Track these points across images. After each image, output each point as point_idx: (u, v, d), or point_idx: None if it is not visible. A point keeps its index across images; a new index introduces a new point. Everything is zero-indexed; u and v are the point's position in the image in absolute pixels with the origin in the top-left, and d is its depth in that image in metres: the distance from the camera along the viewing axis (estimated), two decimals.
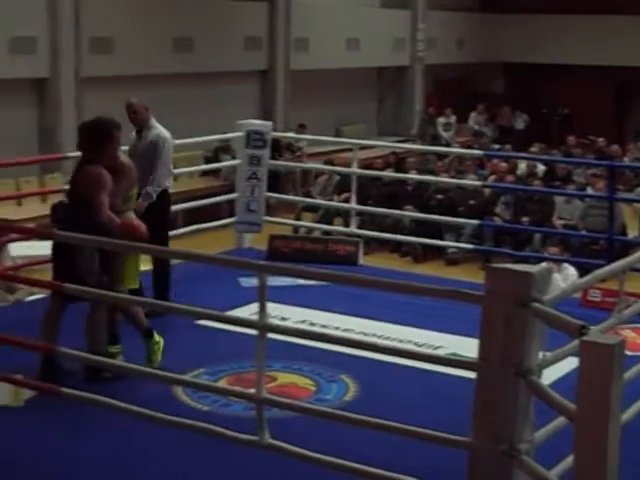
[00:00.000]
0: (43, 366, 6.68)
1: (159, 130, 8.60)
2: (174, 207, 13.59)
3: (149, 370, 6.00)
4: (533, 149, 18.30)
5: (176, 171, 14.55)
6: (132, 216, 7.11)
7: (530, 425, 4.36)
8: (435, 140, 22.37)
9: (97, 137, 6.86)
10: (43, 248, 9.30)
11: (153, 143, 8.52)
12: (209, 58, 18.51)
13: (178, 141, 11.32)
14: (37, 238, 8.83)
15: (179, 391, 6.68)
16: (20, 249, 10.29)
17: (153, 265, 8.55)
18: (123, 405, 5.61)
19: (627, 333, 7.90)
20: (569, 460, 4.18)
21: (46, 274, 10.13)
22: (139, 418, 5.68)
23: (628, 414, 5.12)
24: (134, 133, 8.65)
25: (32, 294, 9.29)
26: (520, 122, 25.03)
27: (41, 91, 15.98)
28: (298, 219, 14.71)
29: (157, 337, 7.08)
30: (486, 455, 4.36)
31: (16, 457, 5.64)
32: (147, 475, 5.57)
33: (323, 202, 13.92)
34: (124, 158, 7.18)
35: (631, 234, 13.42)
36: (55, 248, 6.87)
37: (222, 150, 16.87)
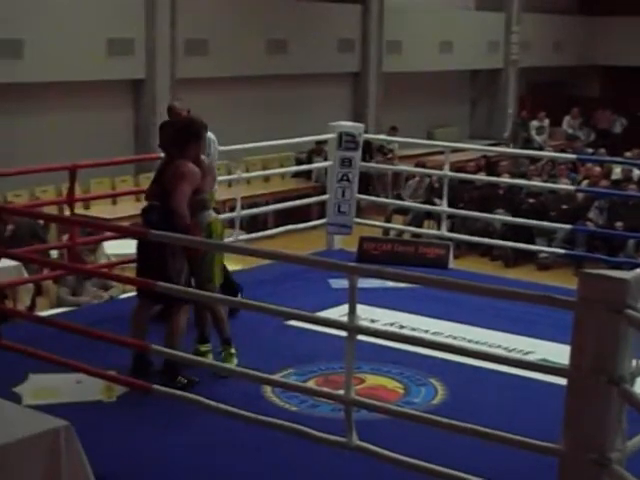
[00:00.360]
0: (135, 363, 6.78)
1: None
2: (265, 208, 13.77)
3: (239, 369, 6.05)
4: (628, 154, 18.02)
5: (268, 172, 14.76)
6: (213, 215, 7.15)
7: (622, 434, 4.30)
8: (528, 143, 22.17)
9: (186, 136, 6.87)
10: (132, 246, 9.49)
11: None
12: (302, 60, 18.62)
13: (270, 143, 11.43)
14: (131, 237, 8.96)
15: (268, 391, 6.72)
16: (114, 247, 10.51)
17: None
18: (213, 404, 5.67)
19: None
20: None
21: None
22: (228, 417, 5.74)
23: None
24: None
25: (125, 291, 9.45)
26: (618, 126, 24.66)
27: (137, 92, 16.26)
28: (389, 221, 14.72)
29: (234, 349, 7.15)
30: (576, 463, 4.31)
31: (106, 452, 5.73)
32: (234, 474, 5.61)
33: (413, 204, 13.89)
34: (204, 157, 7.19)
35: None
36: (144, 248, 6.78)
37: (316, 152, 16.94)
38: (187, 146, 6.80)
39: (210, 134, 7.86)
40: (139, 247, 6.88)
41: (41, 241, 10.88)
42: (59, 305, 9.64)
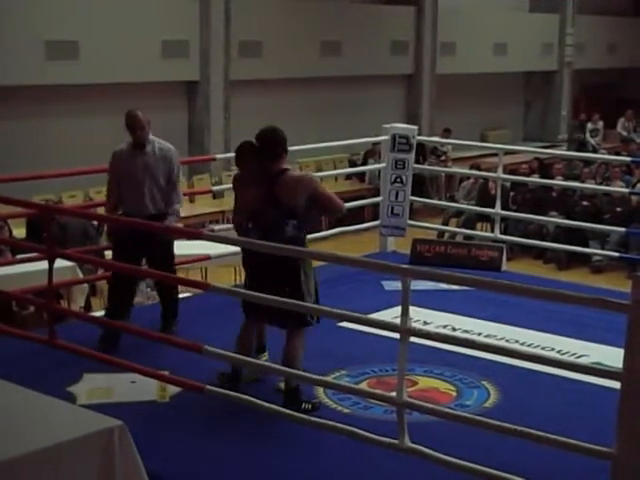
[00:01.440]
0: (231, 374, 6.70)
1: (166, 143, 7.82)
2: None
3: (293, 371, 6.09)
4: None
5: (321, 174, 14.79)
6: None
7: None
8: (582, 146, 22.01)
9: (283, 146, 6.75)
10: (190, 247, 9.56)
11: (167, 157, 7.71)
12: (356, 62, 18.65)
13: (325, 144, 11.47)
14: (185, 238, 9.04)
15: (321, 392, 6.75)
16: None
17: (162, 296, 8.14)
18: (266, 405, 5.72)
19: None
20: None
21: (194, 274, 10.41)
22: (280, 418, 5.78)
23: None
24: (125, 148, 7.72)
25: (179, 293, 9.52)
26: None
27: (191, 94, 16.38)
28: (446, 224, 14.67)
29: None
30: (629, 467, 4.30)
31: (160, 451, 5.79)
32: (287, 475, 5.64)
33: (467, 206, 13.86)
34: None
35: None
36: (267, 263, 6.36)
37: (370, 154, 16.96)
38: (280, 158, 6.68)
39: (168, 144, 7.83)
40: (257, 261, 6.46)
41: (93, 241, 11.00)
42: None
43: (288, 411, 5.70)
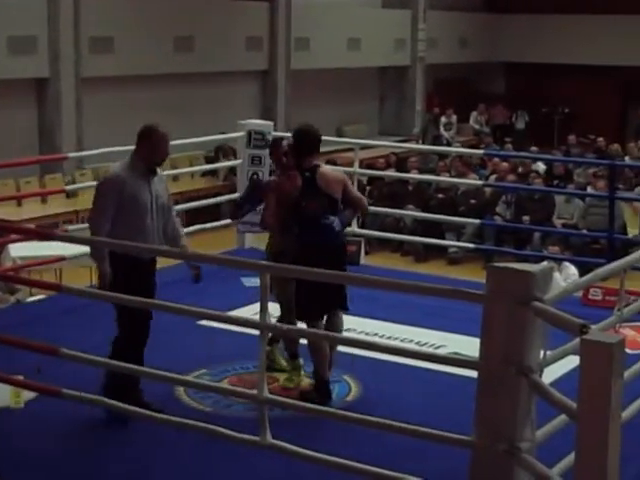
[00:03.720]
0: (320, 388, 6.62)
1: None
2: (177, 207, 13.64)
3: (150, 371, 5.99)
4: (534, 148, 18.30)
5: (176, 171, 14.65)
6: None
7: (531, 424, 4.36)
8: (437, 140, 22.38)
9: (312, 143, 6.93)
10: (43, 249, 9.34)
11: (165, 182, 6.71)
12: (210, 58, 18.53)
13: (179, 141, 11.33)
14: (37, 239, 8.82)
15: (181, 392, 6.68)
16: (20, 250, 10.31)
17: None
18: (125, 406, 5.61)
19: (628, 331, 7.89)
20: (570, 458, 4.18)
21: (46, 275, 10.17)
22: (140, 419, 5.68)
23: (629, 412, 5.13)
24: (132, 173, 6.25)
25: (32, 295, 9.30)
26: (521, 121, 25.04)
27: (41, 91, 15.99)
28: None
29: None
30: (487, 454, 4.36)
31: (19, 458, 5.65)
32: (149, 476, 5.57)
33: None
34: None
35: (631, 233, 13.43)
36: (332, 253, 6.54)
37: (223, 150, 16.86)
38: (312, 156, 6.88)
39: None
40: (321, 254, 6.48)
41: None
42: None
43: (149, 412, 5.59)
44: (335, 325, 6.77)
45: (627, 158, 18.58)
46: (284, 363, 7.12)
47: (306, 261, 5.94)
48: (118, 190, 6.12)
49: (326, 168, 6.92)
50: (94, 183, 14.59)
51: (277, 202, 6.93)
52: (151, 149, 6.27)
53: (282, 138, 7.57)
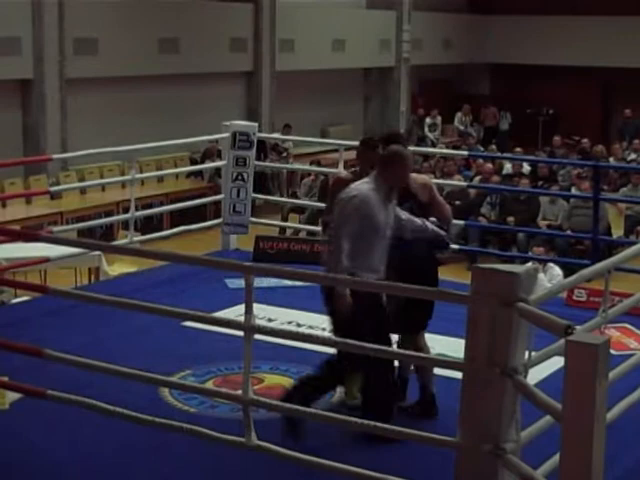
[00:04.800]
0: (431, 401, 6.37)
1: None
2: (160, 209, 13.66)
3: (135, 372, 5.98)
4: (518, 149, 18.35)
5: (161, 172, 14.65)
6: None
7: (516, 424, 4.37)
8: (421, 141, 22.42)
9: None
10: (27, 250, 9.30)
11: None
12: (195, 59, 18.52)
13: (164, 143, 11.33)
14: (22, 240, 8.79)
15: (166, 393, 6.67)
16: (5, 251, 10.28)
17: None
18: (110, 408, 5.59)
19: (612, 332, 7.92)
20: (555, 459, 4.19)
21: (33, 276, 10.14)
22: (125, 420, 5.67)
23: (613, 413, 5.14)
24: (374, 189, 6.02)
25: (17, 296, 9.27)
26: (505, 123, 25.10)
27: (26, 92, 15.94)
28: (285, 220, 14.71)
29: None
30: (472, 454, 4.37)
31: (3, 459, 5.63)
32: (131, 477, 5.56)
33: (309, 203, 13.91)
34: None
35: (615, 234, 13.49)
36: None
37: (209, 153, 16.85)
38: None
39: None
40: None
41: None
42: None
43: (134, 414, 5.57)
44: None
45: (611, 159, 18.66)
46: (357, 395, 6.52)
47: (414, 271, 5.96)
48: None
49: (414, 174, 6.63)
50: (79, 184, 14.69)
51: None
52: (391, 168, 6.08)
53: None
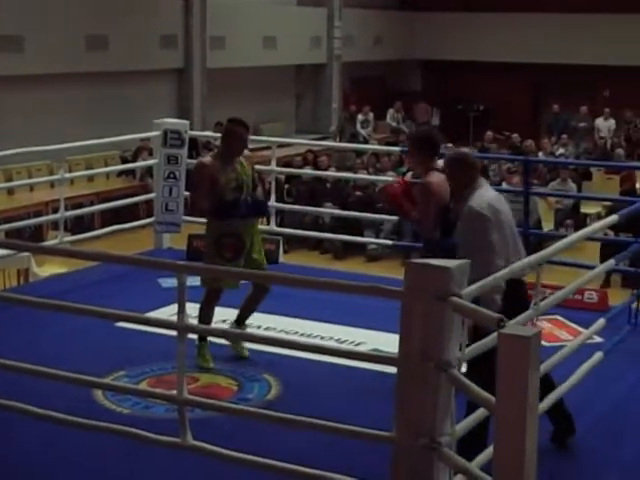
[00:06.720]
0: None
1: None
2: (90, 208, 13.52)
3: (67, 374, 5.90)
4: (448, 145, 18.46)
5: (91, 172, 14.49)
6: None
7: (451, 418, 4.39)
8: (354, 137, 22.48)
9: (423, 146, 6.88)
10: None
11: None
12: (124, 57, 18.35)
13: (94, 141, 11.21)
14: None
15: (99, 395, 6.60)
16: None
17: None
18: (40, 411, 5.52)
19: (544, 324, 8.01)
20: (490, 451, 4.22)
21: None
22: (57, 424, 5.60)
23: (545, 404, 5.20)
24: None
25: None
26: (436, 119, 25.27)
27: None
28: None
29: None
30: (408, 449, 4.38)
31: None
32: None
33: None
34: None
35: (546, 228, 13.63)
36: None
37: (141, 151, 16.72)
38: (429, 156, 6.84)
39: None
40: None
41: None
42: None
43: (64, 416, 5.50)
44: None
45: (541, 154, 18.87)
46: (211, 364, 7.10)
47: None
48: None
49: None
50: (6, 184, 14.43)
51: (436, 204, 6.62)
52: (466, 171, 5.91)
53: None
